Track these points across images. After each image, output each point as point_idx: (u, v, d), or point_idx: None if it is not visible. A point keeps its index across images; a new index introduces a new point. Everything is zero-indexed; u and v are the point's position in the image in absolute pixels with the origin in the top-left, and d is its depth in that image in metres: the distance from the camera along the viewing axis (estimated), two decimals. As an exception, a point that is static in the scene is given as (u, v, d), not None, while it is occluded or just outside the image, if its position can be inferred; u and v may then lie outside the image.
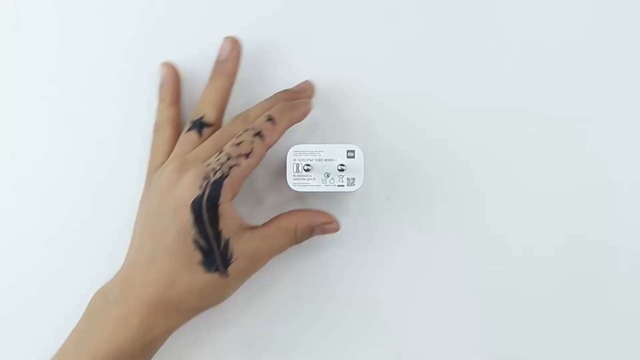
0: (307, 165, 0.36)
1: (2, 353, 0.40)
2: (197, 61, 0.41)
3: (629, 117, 0.42)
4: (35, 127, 0.42)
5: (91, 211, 0.41)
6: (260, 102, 0.39)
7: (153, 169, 0.39)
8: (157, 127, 0.40)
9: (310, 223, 0.38)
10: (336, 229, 0.38)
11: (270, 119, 0.36)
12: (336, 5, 0.42)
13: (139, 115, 0.41)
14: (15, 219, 0.41)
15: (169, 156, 0.39)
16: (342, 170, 0.36)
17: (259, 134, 0.36)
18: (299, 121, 0.38)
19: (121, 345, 0.34)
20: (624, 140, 0.42)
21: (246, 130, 0.36)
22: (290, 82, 0.41)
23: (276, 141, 0.37)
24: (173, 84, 0.41)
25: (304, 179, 0.36)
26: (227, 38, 0.40)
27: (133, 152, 0.41)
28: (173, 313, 0.35)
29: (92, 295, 0.36)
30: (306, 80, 0.41)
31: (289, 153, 0.36)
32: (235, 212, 0.36)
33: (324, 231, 0.38)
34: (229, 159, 0.35)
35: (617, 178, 0.42)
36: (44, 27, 0.42)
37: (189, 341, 0.40)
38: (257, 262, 0.37)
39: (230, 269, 0.35)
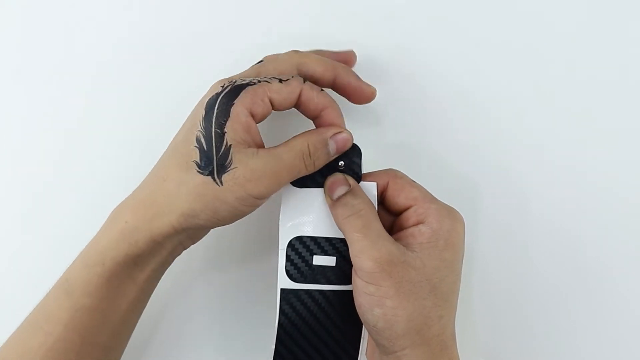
0: None
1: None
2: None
3: (629, 116, 0.42)
4: (35, 127, 0.42)
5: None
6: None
7: None
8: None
9: (322, 135, 0.35)
10: (349, 138, 0.35)
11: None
12: (338, 6, 0.43)
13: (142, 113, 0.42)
14: (15, 215, 0.42)
15: None
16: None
17: (303, 79, 0.35)
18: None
19: (106, 247, 0.33)
20: (623, 140, 0.42)
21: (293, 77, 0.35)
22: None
23: (311, 98, 0.35)
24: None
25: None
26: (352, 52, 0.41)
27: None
28: (158, 215, 0.33)
29: None
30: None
31: None
32: (250, 121, 0.33)
33: (337, 143, 0.35)
34: (263, 76, 0.34)
35: (616, 177, 0.42)
36: (46, 25, 0.43)
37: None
38: (258, 181, 0.33)
39: (226, 177, 0.32)
